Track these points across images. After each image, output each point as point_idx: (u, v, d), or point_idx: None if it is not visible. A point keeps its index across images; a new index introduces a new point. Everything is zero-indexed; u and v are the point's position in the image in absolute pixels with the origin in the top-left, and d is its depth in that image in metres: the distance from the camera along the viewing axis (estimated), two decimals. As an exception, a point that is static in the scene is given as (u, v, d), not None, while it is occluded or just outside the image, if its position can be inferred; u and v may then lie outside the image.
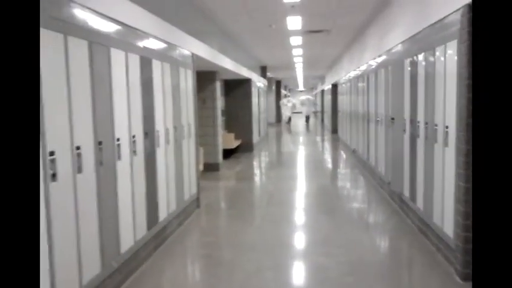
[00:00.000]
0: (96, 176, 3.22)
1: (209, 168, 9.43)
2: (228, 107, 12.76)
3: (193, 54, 6.17)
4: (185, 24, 6.00)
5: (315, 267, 4.23)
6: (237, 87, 12.82)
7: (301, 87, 42.50)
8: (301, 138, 18.24)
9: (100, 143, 3.26)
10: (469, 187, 3.60)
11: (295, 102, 27.95)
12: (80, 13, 3.06)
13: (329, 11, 7.69)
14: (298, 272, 4.21)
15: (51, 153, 2.63)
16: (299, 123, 28.32)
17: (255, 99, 13.96)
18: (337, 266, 4.17)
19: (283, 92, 32.15)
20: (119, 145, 3.62)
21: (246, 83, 12.89)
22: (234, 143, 11.98)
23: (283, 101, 27.37)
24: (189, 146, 5.97)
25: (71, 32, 2.90)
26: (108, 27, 3.49)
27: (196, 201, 6.31)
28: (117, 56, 3.64)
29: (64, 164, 2.80)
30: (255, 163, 11.66)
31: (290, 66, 19.50)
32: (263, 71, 18.62)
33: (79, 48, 3.04)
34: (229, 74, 10.42)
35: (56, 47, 2.76)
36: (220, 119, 10.02)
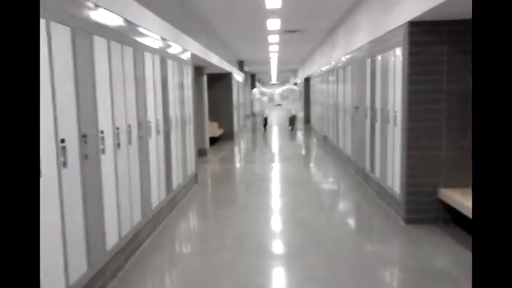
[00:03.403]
0: (138, 146, 4.39)
1: (198, 153, 10.58)
2: (211, 98, 13.87)
3: (192, 54, 7.31)
4: (184, 26, 7.12)
5: (296, 218, 5.52)
6: (219, 81, 13.94)
7: (274, 81, 43.79)
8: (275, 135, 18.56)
9: (140, 123, 4.43)
10: (410, 154, 4.95)
11: (272, 93, 20.48)
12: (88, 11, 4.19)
13: (304, 15, 8.94)
14: (284, 221, 5.49)
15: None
16: (281, 123, 20.84)
17: (235, 92, 15.15)
18: (311, 219, 5.49)
19: (257, 84, 31.95)
20: (150, 126, 4.80)
21: (227, 76, 14.05)
22: (217, 132, 13.16)
23: (255, 92, 19.55)
24: (190, 130, 7.14)
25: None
26: (141, 36, 4.64)
27: (195, 178, 7.49)
28: (149, 59, 4.81)
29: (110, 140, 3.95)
30: (236, 149, 12.89)
31: (266, 61, 20.71)
32: (240, 65, 19.77)
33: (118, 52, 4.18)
34: (214, 68, 11.55)
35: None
36: (207, 109, 11.17)
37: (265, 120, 18.16)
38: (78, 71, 3.13)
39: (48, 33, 2.74)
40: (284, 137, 15.74)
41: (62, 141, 2.88)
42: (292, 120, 17.79)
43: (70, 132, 3.00)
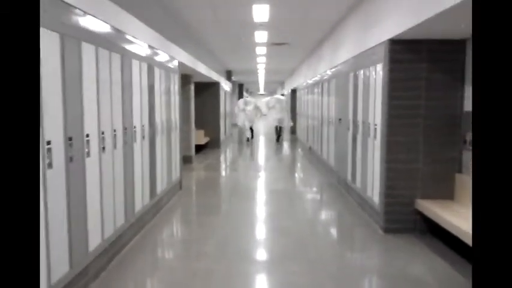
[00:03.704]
0: (123, 150, 4.46)
1: (183, 160, 10.63)
2: (198, 107, 13.96)
3: (179, 62, 7.42)
4: (172, 35, 7.24)
5: (278, 227, 5.62)
6: (206, 89, 14.06)
7: (261, 91, 44.09)
8: (262, 145, 17.81)
9: (125, 128, 4.51)
10: (389, 166, 5.11)
11: (259, 105, 17.74)
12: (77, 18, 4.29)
13: (291, 28, 9.14)
14: (267, 229, 5.58)
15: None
16: (267, 133, 21.15)
17: (222, 101, 15.27)
18: (294, 227, 5.59)
19: (245, 94, 32.02)
20: (135, 131, 4.87)
21: (215, 85, 14.17)
22: (203, 140, 13.23)
23: (239, 103, 17.49)
24: (176, 137, 7.22)
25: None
26: (133, 46, 4.74)
27: (179, 184, 7.55)
28: (137, 66, 4.90)
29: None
30: (222, 157, 12.97)
31: (253, 71, 20.92)
32: (228, 75, 19.92)
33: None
34: (201, 77, 11.67)
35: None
36: (193, 117, 11.25)
37: (251, 132, 17.48)
38: (66, 75, 3.21)
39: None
40: (269, 148, 15.86)
41: (48, 143, 2.95)
42: (278, 132, 17.52)
43: (56, 135, 3.07)
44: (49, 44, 2.97)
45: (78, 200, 3.45)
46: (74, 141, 3.32)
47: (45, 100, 2.91)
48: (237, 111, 17.40)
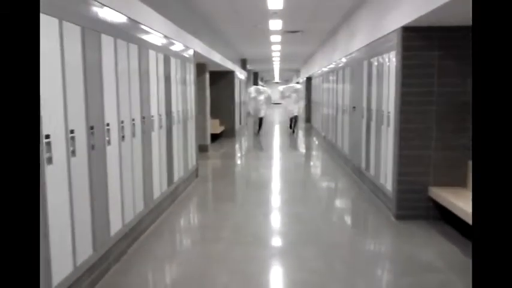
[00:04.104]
0: (142, 139, 4.61)
1: (199, 149, 10.81)
2: (213, 96, 14.08)
3: (194, 51, 7.53)
4: (188, 25, 7.34)
5: (292, 213, 5.74)
6: (221, 78, 14.15)
7: (277, 79, 43.99)
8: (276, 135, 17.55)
9: (143, 117, 4.66)
10: (402, 153, 5.16)
11: (269, 93, 16.56)
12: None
13: (305, 16, 9.15)
14: (281, 216, 5.70)
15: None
16: (281, 123, 20.45)
17: (237, 90, 15.35)
18: (308, 214, 5.70)
19: (260, 83, 31.70)
20: (153, 120, 5.03)
21: (229, 74, 14.26)
22: (219, 129, 13.38)
23: (251, 91, 16.49)
24: (192, 126, 7.36)
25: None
26: (149, 36, 4.87)
27: (196, 172, 7.71)
28: (153, 56, 5.03)
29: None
30: (237, 146, 13.11)
31: (268, 59, 20.91)
32: (243, 64, 19.96)
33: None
34: (216, 66, 11.76)
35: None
36: (209, 107, 11.39)
37: (260, 121, 15.98)
38: (87, 68, 3.35)
39: (61, 33, 2.96)
40: (284, 138, 15.91)
41: (72, 131, 3.11)
42: (292, 122, 16.37)
43: (79, 124, 3.23)
44: (71, 37, 3.10)
45: (100, 186, 3.61)
46: (95, 130, 3.48)
47: (68, 90, 3.06)
48: (248, 99, 16.28)
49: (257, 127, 16.00)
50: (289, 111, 16.22)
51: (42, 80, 2.68)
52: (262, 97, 15.88)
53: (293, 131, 16.26)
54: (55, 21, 2.89)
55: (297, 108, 16.13)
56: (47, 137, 2.79)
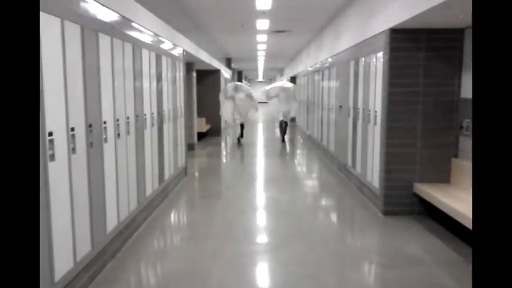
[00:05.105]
0: (135, 137, 4.66)
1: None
2: (199, 94, 14.10)
3: (183, 50, 7.58)
4: (176, 23, 7.38)
5: (281, 210, 5.86)
6: (207, 77, 14.19)
7: (260, 78, 44.09)
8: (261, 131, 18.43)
9: (137, 115, 4.71)
10: (388, 151, 5.33)
11: (251, 92, 12.61)
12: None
13: (293, 16, 9.28)
14: (270, 212, 5.82)
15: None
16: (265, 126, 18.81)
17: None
18: (296, 211, 5.83)
19: (244, 82, 31.66)
20: (145, 119, 5.08)
21: (216, 73, 14.31)
22: (205, 127, 13.42)
23: (227, 89, 12.57)
24: (181, 124, 7.42)
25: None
26: (142, 36, 4.91)
27: (185, 170, 7.77)
28: (146, 55, 5.08)
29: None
30: (223, 144, 13.18)
31: (253, 58, 21.01)
32: (228, 62, 20.02)
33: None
34: (203, 65, 11.80)
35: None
36: (195, 105, 11.43)
37: (241, 128, 12.89)
38: (86, 66, 3.40)
39: (63, 32, 3.00)
40: (267, 135, 16.01)
41: (72, 129, 3.16)
42: (283, 128, 13.28)
43: (78, 122, 3.27)
44: (72, 36, 3.15)
45: (98, 183, 3.66)
46: (93, 127, 3.52)
47: (69, 88, 3.10)
48: (222, 99, 12.40)
49: (238, 136, 13.00)
50: (278, 113, 12.91)
51: (46, 78, 2.73)
52: (242, 95, 12.23)
53: (283, 140, 13.27)
54: (57, 21, 2.93)
55: (288, 111, 12.86)
56: (50, 134, 2.83)
